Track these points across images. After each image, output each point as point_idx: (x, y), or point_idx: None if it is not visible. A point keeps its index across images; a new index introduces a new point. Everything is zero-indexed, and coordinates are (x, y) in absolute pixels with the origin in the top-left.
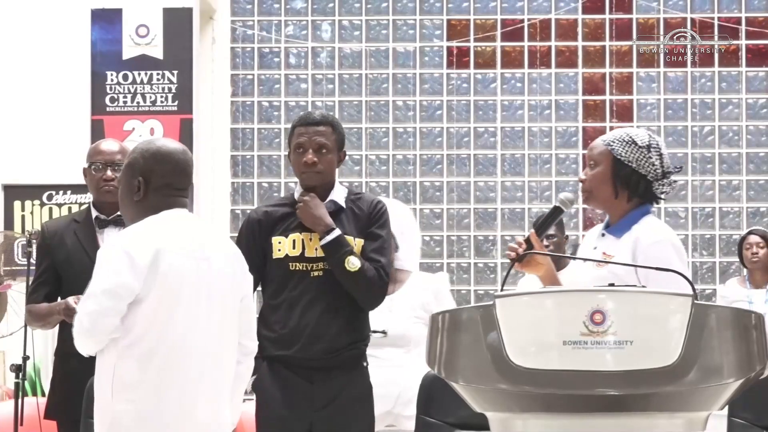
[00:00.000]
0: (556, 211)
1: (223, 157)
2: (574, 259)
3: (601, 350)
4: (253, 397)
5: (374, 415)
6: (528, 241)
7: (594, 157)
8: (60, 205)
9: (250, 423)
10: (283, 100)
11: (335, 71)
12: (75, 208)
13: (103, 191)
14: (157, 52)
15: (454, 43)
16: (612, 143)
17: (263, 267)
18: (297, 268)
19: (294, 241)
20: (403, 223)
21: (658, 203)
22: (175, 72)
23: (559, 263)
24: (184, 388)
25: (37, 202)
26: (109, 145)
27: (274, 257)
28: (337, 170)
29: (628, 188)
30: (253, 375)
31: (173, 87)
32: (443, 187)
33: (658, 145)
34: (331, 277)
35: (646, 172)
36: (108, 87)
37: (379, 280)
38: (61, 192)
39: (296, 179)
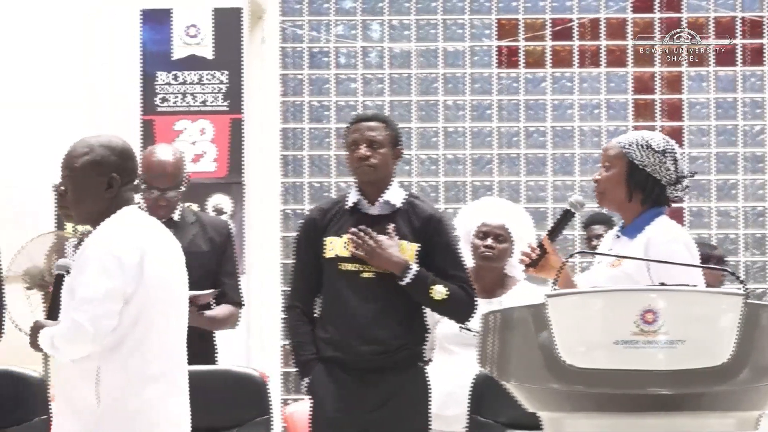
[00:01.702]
0: (567, 215)
1: (274, 157)
2: (592, 254)
3: (653, 350)
4: (308, 397)
5: (429, 417)
6: (541, 245)
7: (609, 159)
8: None
9: (304, 423)
10: (333, 99)
11: (385, 71)
12: None
13: (156, 211)
14: (207, 52)
15: (504, 43)
16: (628, 146)
17: (319, 267)
18: (347, 269)
19: (346, 242)
20: (524, 230)
21: (670, 207)
22: (225, 72)
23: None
24: (167, 386)
25: None
26: (162, 167)
27: (325, 257)
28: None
29: (642, 192)
30: (308, 376)
31: (223, 87)
32: (494, 186)
33: (673, 150)
34: (382, 278)
35: (660, 177)
36: (158, 87)
37: (466, 297)
38: None
39: (348, 178)
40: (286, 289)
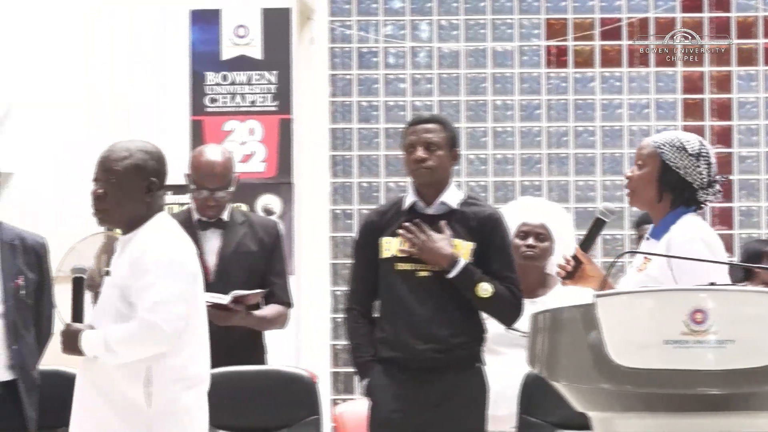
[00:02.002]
0: (598, 223)
1: (323, 157)
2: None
3: (702, 349)
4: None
5: (486, 417)
6: (575, 257)
7: (642, 158)
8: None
9: (353, 423)
10: (382, 100)
11: (434, 71)
12: (176, 209)
13: (205, 210)
14: (255, 52)
15: (553, 43)
16: (662, 147)
17: (377, 268)
18: (403, 269)
19: (401, 241)
20: (563, 228)
21: (701, 209)
22: (274, 72)
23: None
24: (204, 386)
25: None
26: (211, 167)
27: (381, 257)
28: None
29: (672, 193)
30: (366, 377)
31: (272, 87)
32: (543, 186)
33: (707, 153)
34: (438, 276)
35: (692, 180)
36: (207, 88)
37: (513, 299)
38: None
39: (396, 178)
40: (336, 289)
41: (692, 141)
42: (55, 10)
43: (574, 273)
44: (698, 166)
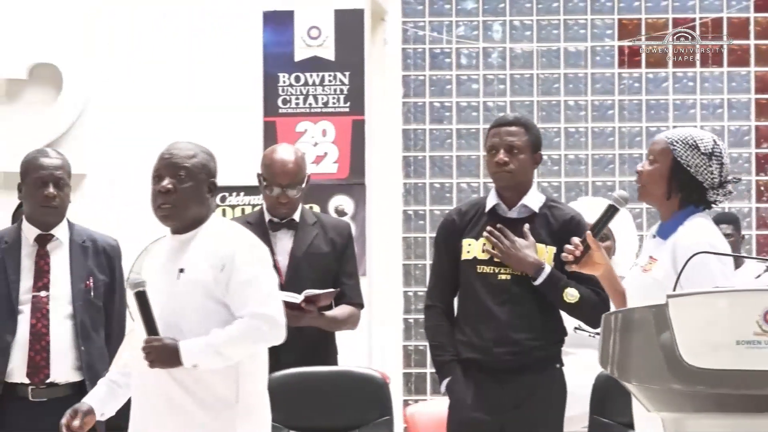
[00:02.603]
0: (611, 209)
1: (395, 158)
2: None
3: None
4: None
5: (564, 419)
6: (584, 241)
7: (654, 153)
8: (233, 207)
9: (425, 424)
10: (455, 100)
11: (506, 71)
12: (248, 210)
13: (276, 209)
14: (328, 53)
15: (626, 43)
16: (675, 143)
17: (457, 267)
18: (484, 271)
19: (484, 244)
20: (624, 229)
21: (710, 209)
22: (347, 73)
23: None
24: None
25: None
26: (283, 164)
27: (462, 258)
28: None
29: (682, 192)
30: (447, 377)
31: (345, 88)
32: (616, 186)
33: (720, 153)
34: (518, 279)
35: (703, 180)
36: (280, 89)
37: (599, 301)
38: (234, 194)
39: (468, 179)
40: (408, 290)
41: (706, 139)
42: (133, 13)
43: (581, 258)
44: (710, 166)
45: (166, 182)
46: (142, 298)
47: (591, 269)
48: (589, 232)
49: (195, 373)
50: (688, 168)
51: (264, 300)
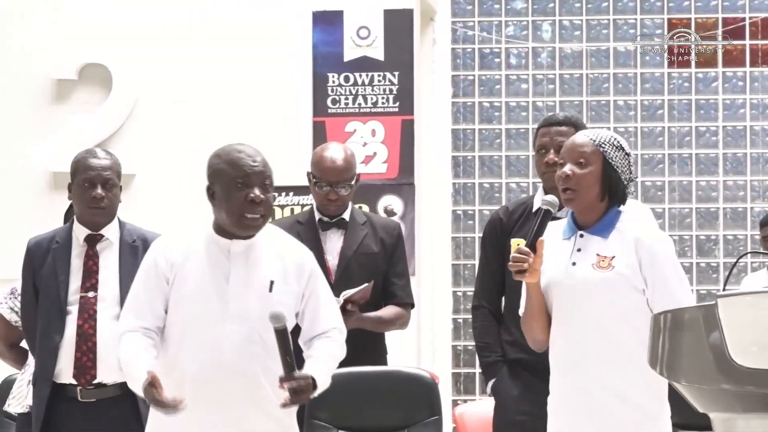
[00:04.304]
0: (547, 214)
1: (445, 157)
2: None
3: None
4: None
5: None
6: (533, 247)
7: (585, 156)
8: (283, 207)
9: (474, 424)
10: (504, 100)
11: (556, 71)
12: (297, 210)
13: (326, 207)
14: (378, 53)
15: (675, 42)
16: (603, 145)
17: (504, 267)
18: None
19: None
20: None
21: (623, 205)
22: (396, 73)
23: None
24: None
25: None
26: (333, 162)
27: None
28: None
29: (610, 191)
30: (493, 378)
31: (394, 88)
32: (665, 186)
33: (629, 150)
34: None
35: (625, 178)
36: (329, 89)
37: None
38: (284, 194)
39: (517, 179)
40: (457, 290)
41: (621, 139)
42: (182, 14)
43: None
44: (629, 163)
45: (258, 192)
46: (281, 337)
47: (530, 278)
48: (541, 239)
49: (249, 376)
50: (617, 168)
51: (337, 310)
